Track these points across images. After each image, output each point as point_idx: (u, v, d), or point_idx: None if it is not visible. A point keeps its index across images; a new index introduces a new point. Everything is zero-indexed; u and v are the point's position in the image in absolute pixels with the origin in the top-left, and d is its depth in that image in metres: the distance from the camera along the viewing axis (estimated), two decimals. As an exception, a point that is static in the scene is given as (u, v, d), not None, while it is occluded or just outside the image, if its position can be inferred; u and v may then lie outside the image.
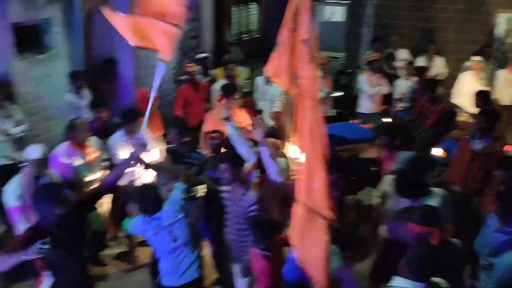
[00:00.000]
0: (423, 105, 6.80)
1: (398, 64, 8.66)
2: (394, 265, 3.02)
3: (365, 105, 7.83)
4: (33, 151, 4.41)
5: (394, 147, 4.97)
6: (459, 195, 4.95)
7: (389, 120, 6.69)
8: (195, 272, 3.99)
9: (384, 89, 7.84)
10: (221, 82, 7.31)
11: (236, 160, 4.14)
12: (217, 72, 8.24)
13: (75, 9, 6.86)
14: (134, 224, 3.96)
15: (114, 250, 5.68)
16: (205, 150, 5.38)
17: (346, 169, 5.11)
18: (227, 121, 4.57)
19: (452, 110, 7.10)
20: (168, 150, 5.08)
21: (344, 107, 8.52)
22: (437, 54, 8.90)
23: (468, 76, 8.13)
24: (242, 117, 5.69)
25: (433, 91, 6.86)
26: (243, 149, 4.39)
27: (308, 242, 3.31)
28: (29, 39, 6.56)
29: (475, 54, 8.34)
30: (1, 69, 6.07)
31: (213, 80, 7.80)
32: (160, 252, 3.96)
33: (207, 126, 5.66)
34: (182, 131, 5.18)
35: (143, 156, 4.38)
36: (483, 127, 5.05)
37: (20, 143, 5.84)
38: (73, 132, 5.01)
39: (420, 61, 8.66)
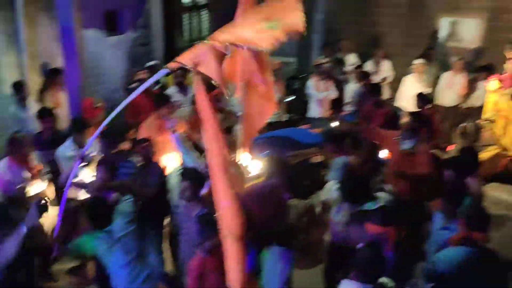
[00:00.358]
0: (368, 109, 6.94)
1: (347, 68, 8.84)
2: (343, 269, 3.06)
3: (314, 110, 7.96)
4: None
5: (341, 151, 5.07)
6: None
7: (336, 124, 6.75)
8: (151, 286, 3.91)
9: (332, 93, 7.96)
10: (172, 89, 7.24)
11: (197, 178, 4.06)
12: (168, 79, 8.15)
13: (18, 18, 6.62)
14: (84, 241, 3.84)
15: (65, 264, 5.48)
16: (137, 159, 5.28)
17: (296, 174, 5.17)
18: (172, 132, 4.53)
19: (396, 113, 7.27)
20: (100, 161, 4.93)
21: (296, 112, 8.63)
22: (384, 58, 9.14)
23: (411, 78, 8.44)
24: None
25: (377, 95, 7.02)
26: (189, 160, 4.37)
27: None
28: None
29: (418, 57, 8.65)
30: None
31: (164, 88, 7.70)
32: (113, 267, 3.85)
33: (140, 135, 5.55)
34: (113, 140, 5.07)
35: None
36: (412, 128, 5.23)
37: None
38: (14, 147, 4.81)
39: (368, 65, 8.88)
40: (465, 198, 4.00)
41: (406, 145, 5.08)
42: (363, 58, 9.29)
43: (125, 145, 5.59)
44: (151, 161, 4.89)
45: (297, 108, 8.61)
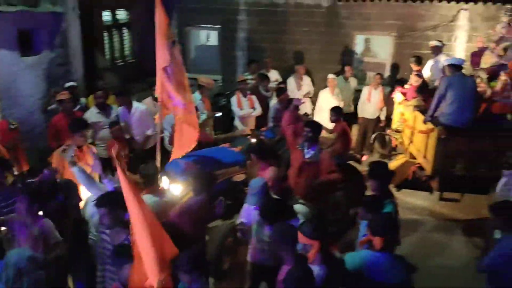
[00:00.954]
0: (284, 124, 7.00)
1: (271, 85, 8.99)
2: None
3: (239, 127, 8.02)
4: None
5: (264, 166, 5.16)
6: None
7: (255, 141, 6.74)
8: None
9: (256, 110, 8.04)
10: (92, 110, 6.99)
11: (118, 203, 3.84)
12: (89, 99, 7.89)
13: None
14: None
15: None
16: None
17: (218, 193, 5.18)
18: (73, 165, 4.36)
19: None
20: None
21: (223, 129, 8.64)
22: (305, 74, 9.42)
23: (325, 93, 8.80)
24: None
25: (294, 110, 6.79)
26: (93, 191, 4.22)
27: None
28: None
29: (335, 73, 9.06)
30: None
31: (85, 109, 7.42)
32: None
33: (53, 163, 5.31)
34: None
35: None
36: (311, 137, 5.46)
37: None
38: None
39: (290, 81, 9.11)
40: (387, 206, 4.18)
41: (308, 154, 5.24)
42: (286, 74, 9.53)
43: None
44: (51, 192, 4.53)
45: (224, 125, 8.64)
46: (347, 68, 9.16)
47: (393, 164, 7.09)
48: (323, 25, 10.44)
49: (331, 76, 8.87)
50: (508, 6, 6.39)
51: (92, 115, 6.89)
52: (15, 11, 7.55)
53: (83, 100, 7.85)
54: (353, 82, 9.21)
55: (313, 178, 5.33)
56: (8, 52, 7.52)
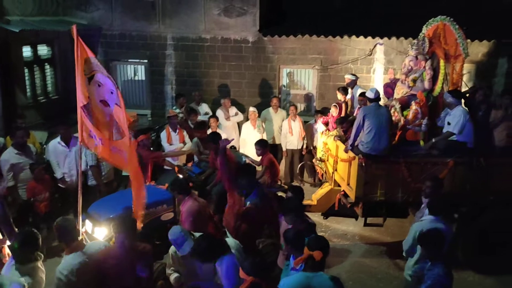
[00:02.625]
0: (211, 159, 7.00)
1: (202, 118, 8.98)
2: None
3: (169, 162, 7.90)
4: None
5: (185, 200, 5.21)
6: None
7: (180, 177, 6.66)
8: None
9: (185, 145, 7.97)
10: (10, 151, 6.63)
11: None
12: (8, 139, 7.50)
13: None
14: None
15: None
16: None
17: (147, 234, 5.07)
18: None
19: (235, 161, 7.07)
20: None
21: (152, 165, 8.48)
22: (231, 106, 9.51)
23: (246, 126, 9.01)
24: None
25: (216, 143, 6.53)
26: None
27: None
28: None
29: (264, 105, 9.27)
30: None
31: (3, 149, 7.04)
32: None
33: None
34: None
35: None
36: (247, 183, 5.30)
37: None
38: None
39: (219, 113, 9.17)
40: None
41: (249, 200, 5.18)
42: (216, 107, 9.61)
43: None
44: None
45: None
46: (274, 100, 9.40)
47: (319, 193, 7.26)
48: (250, 59, 10.71)
49: (252, 109, 9.05)
50: (415, 40, 6.87)
51: (11, 156, 6.56)
52: None
53: (1, 139, 7.46)
54: (281, 114, 9.44)
55: (257, 225, 5.28)
56: None
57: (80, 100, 4.88)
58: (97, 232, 5.41)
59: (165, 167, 7.54)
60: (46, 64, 10.59)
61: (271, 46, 10.61)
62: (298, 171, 8.80)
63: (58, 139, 7.02)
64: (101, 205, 5.85)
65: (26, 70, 9.90)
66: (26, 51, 9.89)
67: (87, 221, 5.48)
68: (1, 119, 8.44)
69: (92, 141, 5.00)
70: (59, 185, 7.00)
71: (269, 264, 4.79)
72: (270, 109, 9.36)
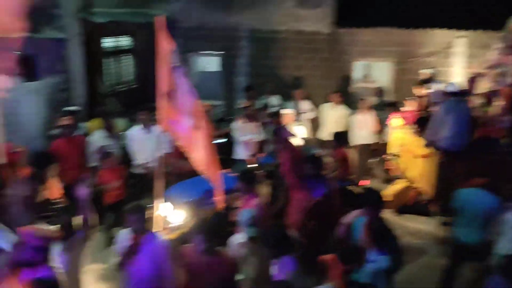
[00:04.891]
0: (276, 149, 6.82)
1: (272, 110, 9.03)
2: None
3: (239, 152, 8.03)
4: None
5: (252, 194, 5.06)
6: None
7: (251, 166, 6.70)
8: None
9: (257, 136, 8.02)
10: (98, 133, 7.05)
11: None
12: (91, 124, 7.94)
13: None
14: None
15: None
16: None
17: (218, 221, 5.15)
18: None
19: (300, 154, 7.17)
20: None
21: (224, 154, 8.63)
22: (304, 99, 9.47)
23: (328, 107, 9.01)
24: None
25: (282, 134, 6.72)
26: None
27: None
28: None
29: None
30: None
31: (86, 134, 7.47)
32: None
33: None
34: None
35: None
36: (314, 174, 5.30)
37: None
38: None
39: (289, 106, 9.15)
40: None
41: (318, 193, 5.12)
42: (287, 100, 9.60)
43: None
44: None
45: (225, 150, 8.64)
46: (334, 95, 9.26)
47: (393, 189, 7.08)
48: (324, 52, 10.57)
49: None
50: (501, 33, 6.47)
51: (100, 138, 7.00)
52: (16, 37, 7.68)
53: (83, 125, 7.89)
54: (340, 110, 9.31)
55: (325, 220, 5.05)
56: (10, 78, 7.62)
57: (163, 88, 5.03)
58: (175, 215, 5.61)
59: (238, 157, 7.66)
60: (126, 54, 11.08)
61: (346, 38, 10.42)
62: (368, 166, 8.62)
63: (138, 126, 7.33)
64: (179, 189, 6.05)
65: (107, 60, 10.42)
66: (109, 42, 10.40)
67: (165, 205, 5.67)
68: (84, 106, 8.92)
69: (173, 128, 5.17)
70: (137, 171, 7.33)
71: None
72: (329, 104, 9.22)
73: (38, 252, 3.58)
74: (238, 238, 4.49)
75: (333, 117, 9.16)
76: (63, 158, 6.65)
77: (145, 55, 11.13)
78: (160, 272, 4.11)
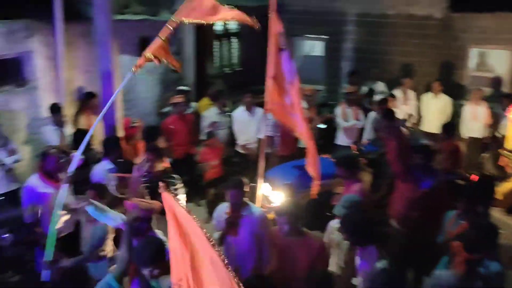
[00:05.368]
0: (382, 137, 6.54)
1: (376, 97, 8.80)
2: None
3: (341, 138, 7.92)
4: None
5: (352, 180, 4.92)
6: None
7: (351, 153, 6.56)
8: None
9: (360, 122, 7.87)
10: (213, 110, 7.47)
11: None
12: (200, 104, 8.31)
13: (58, 42, 6.89)
14: None
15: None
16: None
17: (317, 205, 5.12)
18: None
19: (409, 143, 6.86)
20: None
21: (325, 139, 8.59)
22: (411, 88, 9.08)
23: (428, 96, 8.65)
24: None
25: (390, 121, 6.56)
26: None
27: None
28: (9, 71, 6.56)
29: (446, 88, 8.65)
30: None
31: (195, 113, 7.83)
32: None
33: None
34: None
35: None
36: (423, 165, 5.05)
37: (11, 173, 5.85)
38: (43, 162, 4.88)
39: (397, 94, 8.84)
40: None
41: (425, 184, 4.90)
42: (392, 87, 9.27)
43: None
44: None
45: (325, 135, 8.59)
46: (435, 84, 8.73)
47: (505, 187, 6.60)
48: (435, 38, 10.01)
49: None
50: None
51: (213, 114, 7.42)
52: (138, 20, 8.22)
53: (193, 104, 8.27)
54: (441, 99, 8.77)
55: (430, 214, 4.80)
56: (129, 58, 8.16)
57: (271, 71, 5.10)
58: (274, 196, 5.72)
59: (340, 143, 7.59)
60: (233, 37, 11.36)
61: (461, 23, 9.75)
62: (479, 161, 8.09)
63: (242, 107, 7.54)
64: (280, 171, 6.15)
65: (216, 43, 10.77)
66: (218, 25, 10.73)
67: (265, 185, 5.79)
68: (194, 86, 9.32)
69: (278, 111, 5.23)
70: (240, 151, 7.56)
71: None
72: (430, 93, 8.72)
73: (143, 223, 3.82)
74: (335, 223, 4.46)
75: (435, 107, 8.72)
76: (173, 134, 7.07)
77: (250, 39, 11.35)
78: (259, 245, 4.18)
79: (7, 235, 4.59)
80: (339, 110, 8.03)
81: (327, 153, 7.03)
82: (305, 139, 5.24)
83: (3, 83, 6.47)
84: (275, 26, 5.04)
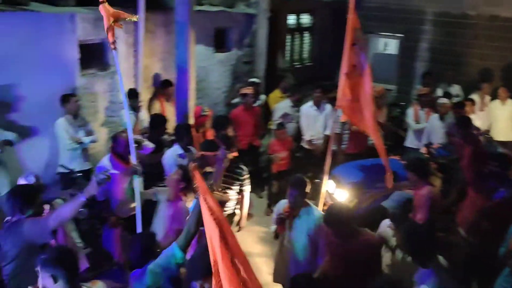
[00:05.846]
0: (456, 143, 6.30)
1: (452, 100, 8.46)
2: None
3: (411, 140, 7.72)
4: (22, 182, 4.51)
5: (422, 185, 4.76)
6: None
7: (421, 156, 6.37)
8: None
9: (431, 125, 7.52)
10: (286, 102, 7.60)
11: None
12: (271, 96, 8.40)
13: (139, 30, 7.19)
14: None
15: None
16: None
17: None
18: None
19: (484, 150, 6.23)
20: None
21: (393, 140, 8.41)
22: (489, 94, 8.67)
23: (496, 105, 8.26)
24: None
25: (466, 127, 6.20)
26: None
27: None
28: (93, 56, 6.93)
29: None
30: (67, 83, 6.46)
31: (263, 105, 7.93)
32: None
33: None
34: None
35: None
36: (499, 174, 4.81)
37: (86, 152, 6.22)
38: (115, 145, 5.11)
39: (475, 98, 8.44)
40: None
41: (499, 194, 4.70)
42: (467, 91, 8.90)
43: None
44: None
45: (394, 136, 8.41)
46: (500, 91, 8.28)
47: None
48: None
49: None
50: None
51: (287, 106, 7.57)
52: (215, 11, 8.42)
53: (262, 97, 8.36)
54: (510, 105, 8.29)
55: (501, 224, 4.52)
56: (204, 48, 8.40)
57: (345, 67, 5.07)
58: (338, 194, 5.71)
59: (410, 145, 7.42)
60: (306, 32, 11.34)
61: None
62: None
63: (310, 102, 7.55)
64: (346, 169, 6.12)
65: (289, 37, 10.80)
66: (291, 19, 10.76)
67: (330, 182, 5.78)
68: (264, 79, 9.42)
69: (349, 109, 5.20)
70: (305, 146, 7.57)
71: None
72: (497, 101, 8.29)
73: None
74: (387, 222, 4.39)
75: (503, 115, 8.28)
76: (239, 125, 7.21)
77: (322, 34, 11.31)
78: (313, 248, 4.15)
79: (83, 209, 4.86)
80: (411, 111, 7.83)
81: (396, 155, 6.92)
82: (374, 137, 5.19)
83: (87, 67, 6.84)
84: (353, 21, 5.00)
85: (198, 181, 3.03)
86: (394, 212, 4.21)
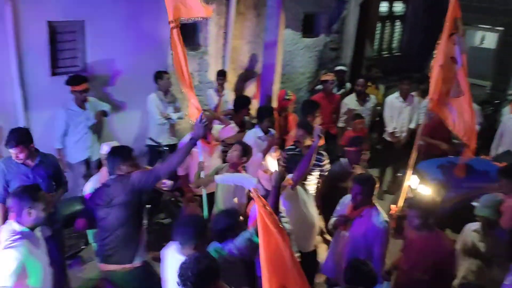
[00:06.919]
0: None
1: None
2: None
3: (506, 142, 7.24)
4: (105, 148, 4.61)
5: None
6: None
7: None
8: None
9: None
10: (352, 96, 7.31)
11: None
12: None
13: (230, 12, 7.32)
14: None
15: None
16: None
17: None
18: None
19: None
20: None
21: (483, 139, 7.93)
22: None
23: None
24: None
25: None
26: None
27: None
28: (184, 36, 7.15)
29: None
30: (159, 61, 6.73)
31: (346, 94, 7.78)
32: None
33: None
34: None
35: None
36: None
37: (174, 128, 6.51)
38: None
39: None
40: None
41: None
42: None
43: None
44: None
45: (485, 135, 7.94)
46: None
47: None
48: None
49: None
50: None
51: (352, 101, 7.23)
52: (306, -4, 8.36)
53: (348, 85, 8.20)
54: None
55: None
56: (292, 32, 8.39)
57: (440, 59, 4.85)
58: (421, 189, 5.54)
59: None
60: (397, 20, 10.96)
61: None
62: None
63: (396, 93, 7.30)
64: (431, 165, 5.91)
65: (378, 25, 10.49)
66: (383, 7, 10.42)
67: (414, 177, 5.61)
68: (350, 67, 9.25)
69: (439, 103, 4.98)
70: (387, 138, 7.36)
71: None
72: None
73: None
74: (473, 226, 4.18)
75: None
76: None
77: (413, 23, 10.87)
78: (367, 251, 3.98)
79: (166, 181, 5.10)
80: (507, 110, 7.34)
81: (486, 155, 6.56)
82: (461, 136, 4.96)
83: (181, 46, 7.08)
84: (454, 10, 4.77)
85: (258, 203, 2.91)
86: (485, 217, 3.99)
